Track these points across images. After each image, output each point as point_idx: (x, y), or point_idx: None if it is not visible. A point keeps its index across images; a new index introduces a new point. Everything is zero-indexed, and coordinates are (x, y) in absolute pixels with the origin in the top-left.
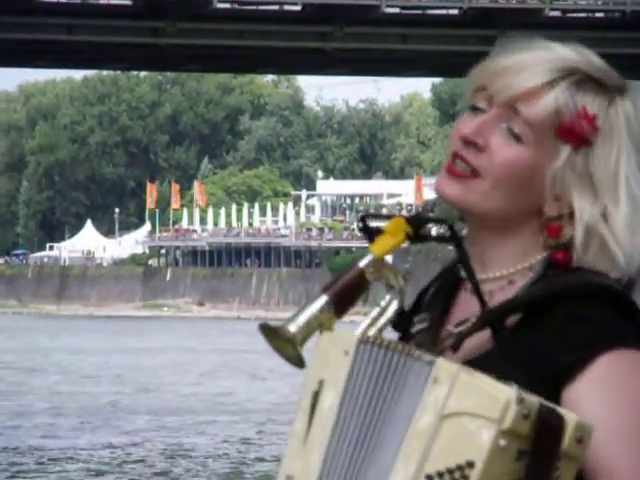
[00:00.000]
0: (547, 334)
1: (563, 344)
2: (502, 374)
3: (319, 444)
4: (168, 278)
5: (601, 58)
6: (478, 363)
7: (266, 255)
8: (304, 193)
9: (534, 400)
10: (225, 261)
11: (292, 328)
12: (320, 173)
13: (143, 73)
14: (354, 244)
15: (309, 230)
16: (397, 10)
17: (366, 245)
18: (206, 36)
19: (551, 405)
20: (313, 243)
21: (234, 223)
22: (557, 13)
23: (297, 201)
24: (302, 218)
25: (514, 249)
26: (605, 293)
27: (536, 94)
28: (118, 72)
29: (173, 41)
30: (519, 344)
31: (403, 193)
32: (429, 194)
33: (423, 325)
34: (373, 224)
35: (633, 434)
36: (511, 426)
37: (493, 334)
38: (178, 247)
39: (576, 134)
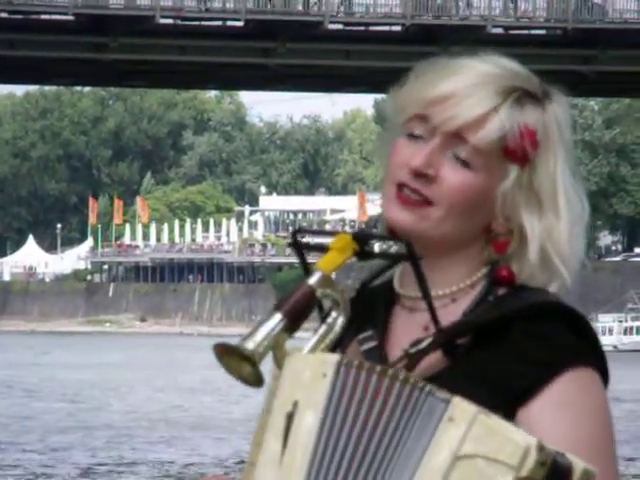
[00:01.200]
0: (503, 354)
1: (524, 363)
2: (463, 391)
3: (299, 466)
4: (110, 294)
5: (543, 75)
6: (437, 381)
7: (209, 271)
8: (247, 209)
9: (551, 448)
10: (168, 277)
11: (250, 345)
12: (263, 189)
13: (86, 88)
14: (297, 260)
15: (252, 246)
16: (340, 26)
17: (309, 261)
18: (149, 51)
19: (561, 451)
20: (256, 259)
21: (177, 239)
22: (499, 30)
23: (240, 217)
24: (245, 234)
25: (458, 268)
26: (560, 311)
27: (483, 120)
28: (61, 87)
29: (116, 56)
30: (474, 364)
31: (346, 209)
32: (372, 210)
33: (371, 344)
34: (309, 240)
35: (594, 453)
36: (529, 473)
37: (446, 353)
38: (120, 263)
39: (521, 154)
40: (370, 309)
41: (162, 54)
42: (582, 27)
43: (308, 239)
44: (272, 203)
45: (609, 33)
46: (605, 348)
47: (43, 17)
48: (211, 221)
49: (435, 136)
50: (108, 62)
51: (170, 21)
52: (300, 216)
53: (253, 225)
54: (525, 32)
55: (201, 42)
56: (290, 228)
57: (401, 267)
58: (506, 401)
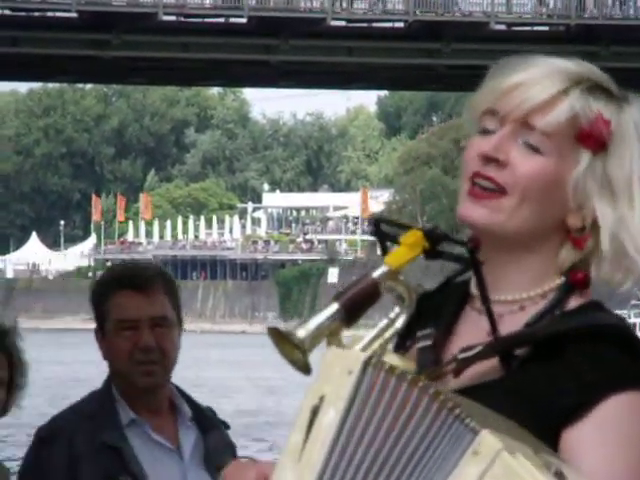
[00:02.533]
0: (555, 371)
1: (573, 382)
2: (502, 407)
3: (315, 461)
4: None
5: None
6: (479, 391)
7: (212, 268)
8: (250, 206)
9: None
10: (171, 273)
11: (301, 333)
12: (266, 186)
13: (89, 85)
14: (300, 257)
15: (255, 243)
16: (343, 23)
17: (312, 258)
18: (152, 49)
19: None
20: (259, 256)
21: (180, 236)
22: (502, 27)
23: (243, 214)
24: (248, 231)
25: (530, 272)
26: (614, 333)
27: (551, 104)
28: (64, 84)
29: (118, 54)
30: (526, 378)
31: (349, 206)
32: (375, 207)
33: (427, 342)
34: (386, 230)
35: None
36: None
37: (502, 363)
38: (124, 260)
39: (595, 139)
40: (442, 306)
41: (165, 51)
42: (585, 23)
43: (387, 229)
44: (275, 200)
45: (612, 29)
46: None
47: (46, 14)
48: (214, 218)
49: (505, 126)
50: (111, 59)
51: (173, 18)
52: (303, 213)
53: (256, 222)
54: (528, 28)
55: (204, 39)
56: (293, 225)
57: None
58: (551, 420)
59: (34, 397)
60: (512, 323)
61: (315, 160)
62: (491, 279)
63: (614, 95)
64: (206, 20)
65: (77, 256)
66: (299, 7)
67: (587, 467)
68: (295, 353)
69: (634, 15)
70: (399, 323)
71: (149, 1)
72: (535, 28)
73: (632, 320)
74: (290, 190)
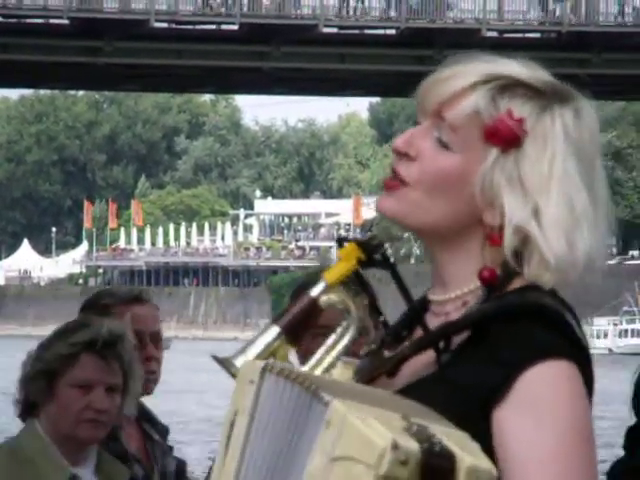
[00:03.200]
0: (479, 355)
1: (493, 364)
2: (435, 398)
3: (229, 473)
4: None
5: None
6: (416, 387)
7: (204, 274)
8: (242, 212)
9: (414, 446)
10: (163, 280)
11: (239, 363)
12: (258, 192)
13: (80, 92)
14: (292, 263)
15: (247, 249)
16: (335, 30)
17: (304, 265)
18: (143, 55)
19: (444, 447)
20: (251, 262)
21: (172, 242)
22: (494, 34)
23: (235, 220)
24: (240, 237)
25: (466, 266)
26: (535, 311)
27: (457, 98)
28: (55, 91)
29: (110, 60)
30: (457, 366)
31: (341, 212)
32: (367, 213)
33: (371, 347)
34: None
35: (555, 455)
36: (387, 473)
37: (437, 357)
38: (115, 266)
39: (501, 135)
40: (406, 314)
41: (157, 58)
42: (576, 30)
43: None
44: (267, 207)
45: (604, 36)
46: (600, 351)
47: (37, 21)
48: (206, 225)
49: (426, 120)
50: (102, 66)
51: (165, 25)
52: (295, 220)
53: (248, 229)
54: (520, 35)
55: (196, 46)
56: (285, 232)
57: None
58: (478, 404)
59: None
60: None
61: (307, 167)
62: (437, 278)
63: (543, 95)
64: (198, 27)
65: (69, 263)
66: (291, 14)
67: (512, 448)
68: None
69: (625, 22)
70: (348, 337)
71: (141, 8)
72: (527, 35)
73: (624, 326)
74: (282, 197)
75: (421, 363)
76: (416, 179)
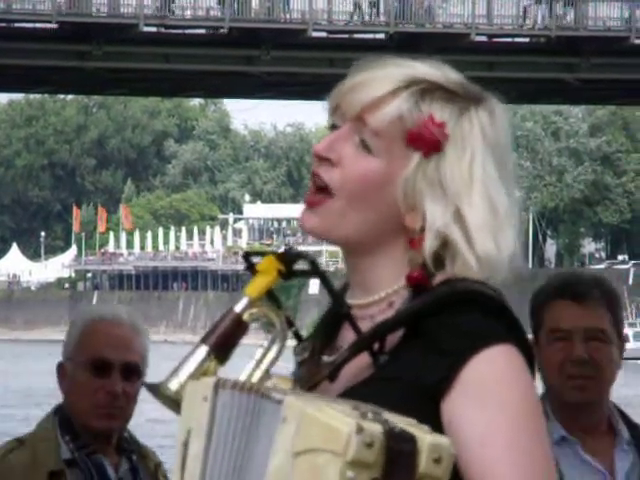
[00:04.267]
0: (420, 350)
1: (436, 355)
2: (380, 397)
3: None
4: (95, 302)
5: (528, 82)
6: (357, 390)
7: (193, 279)
8: (231, 217)
9: (376, 427)
10: (152, 285)
11: (173, 386)
12: (247, 197)
13: (70, 96)
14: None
15: (236, 254)
16: (324, 34)
17: (297, 268)
18: (133, 60)
19: (402, 428)
20: (240, 267)
21: (161, 247)
22: (483, 38)
23: (224, 225)
24: (229, 242)
25: (389, 270)
26: (470, 298)
27: (380, 103)
28: (45, 95)
29: (99, 64)
30: (397, 364)
31: None
32: None
33: (303, 356)
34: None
35: (514, 445)
36: (355, 457)
37: (372, 359)
38: (104, 271)
39: (424, 140)
40: (326, 321)
41: (146, 62)
42: (566, 35)
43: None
44: (256, 211)
45: (593, 41)
46: None
47: (26, 25)
48: (195, 229)
49: (345, 123)
50: (92, 70)
51: (154, 29)
52: (284, 224)
53: (237, 233)
54: (509, 40)
55: (185, 50)
56: (275, 236)
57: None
58: (424, 397)
59: (17, 407)
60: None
61: (296, 171)
62: (358, 284)
63: (459, 97)
64: (187, 31)
65: (58, 267)
66: (280, 18)
67: (465, 436)
68: (173, 405)
69: (614, 26)
70: (274, 350)
71: (130, 12)
72: (516, 39)
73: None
74: (271, 201)
75: (356, 367)
76: (338, 185)
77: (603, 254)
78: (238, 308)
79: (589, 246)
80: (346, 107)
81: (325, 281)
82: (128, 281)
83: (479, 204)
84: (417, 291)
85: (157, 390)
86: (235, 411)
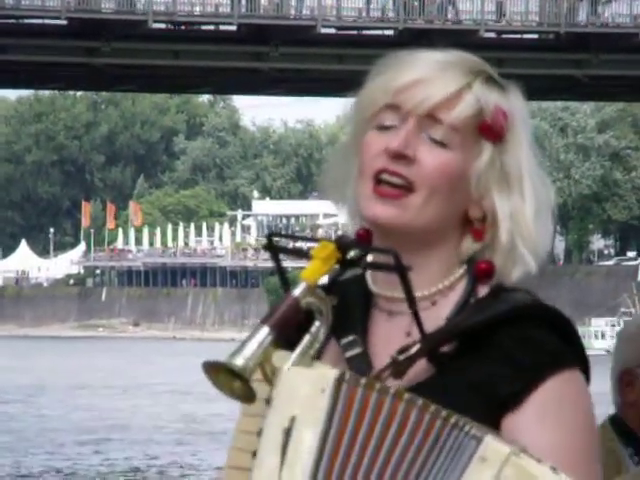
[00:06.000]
0: (491, 358)
1: (509, 367)
2: (447, 401)
3: None
4: (103, 298)
5: (536, 79)
6: (422, 390)
7: (202, 275)
8: (240, 213)
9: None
10: (161, 281)
11: (239, 361)
12: (256, 193)
13: (79, 93)
14: (290, 264)
15: (245, 250)
16: (333, 30)
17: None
18: (142, 56)
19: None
20: (249, 263)
21: (170, 243)
22: (492, 34)
23: (233, 221)
24: (238, 238)
25: (436, 265)
26: (544, 314)
27: (456, 98)
28: (54, 91)
29: (109, 61)
30: (461, 370)
31: (339, 213)
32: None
33: (356, 350)
34: (286, 244)
35: (578, 462)
36: None
37: (431, 360)
38: (113, 267)
39: (496, 131)
40: (346, 309)
41: (155, 58)
42: (574, 31)
43: (285, 244)
44: (265, 207)
45: (601, 37)
46: (598, 352)
47: (35, 21)
48: (204, 225)
49: (408, 121)
50: (101, 66)
51: (162, 25)
52: (293, 220)
53: (246, 229)
54: (517, 36)
55: (194, 46)
56: (283, 232)
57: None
58: (491, 408)
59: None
60: (429, 320)
61: (305, 168)
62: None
63: (501, 84)
64: (196, 28)
65: (66, 264)
66: (289, 14)
67: (534, 451)
68: (234, 383)
69: (624, 23)
70: (321, 336)
71: (139, 8)
72: (525, 36)
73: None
74: (281, 198)
75: (416, 366)
76: (420, 182)
77: (612, 250)
78: (297, 292)
79: (598, 242)
80: (412, 106)
81: (405, 278)
82: (137, 277)
83: (529, 196)
84: (471, 289)
85: (219, 367)
86: (377, 415)
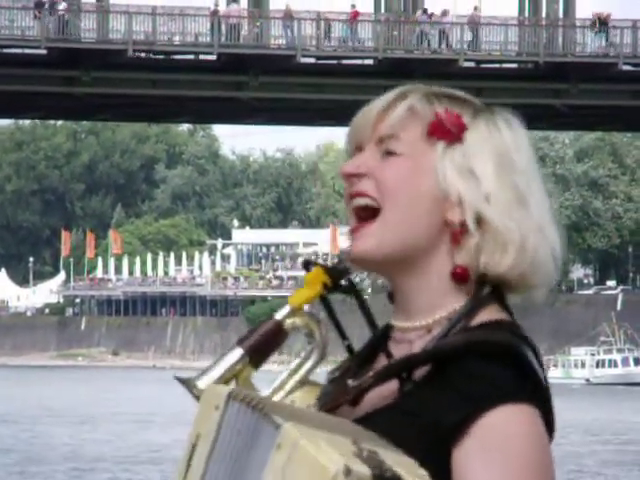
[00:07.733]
0: (441, 389)
1: (455, 399)
2: (394, 430)
3: None
4: (83, 327)
5: (515, 108)
6: (376, 417)
7: (182, 304)
8: (220, 242)
9: (365, 471)
10: (140, 310)
11: (202, 384)
12: (236, 222)
13: (60, 122)
14: (270, 293)
15: (225, 279)
16: (312, 60)
17: (282, 294)
18: (122, 85)
19: (394, 474)
20: (229, 292)
21: (149, 272)
22: (471, 64)
23: (213, 250)
24: (218, 267)
25: (431, 292)
26: (503, 351)
27: (390, 109)
28: (35, 121)
29: (88, 90)
30: (421, 399)
31: (319, 242)
32: (344, 243)
33: (334, 374)
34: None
35: None
36: None
37: (400, 387)
38: (93, 296)
39: (445, 129)
40: (368, 342)
41: (134, 87)
42: (553, 61)
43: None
44: (245, 236)
45: (580, 67)
46: (578, 381)
47: (15, 51)
48: (184, 254)
49: (364, 150)
50: (80, 96)
51: (142, 55)
52: (273, 249)
53: (226, 258)
54: (497, 65)
55: (173, 76)
56: (263, 261)
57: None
58: (438, 439)
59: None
60: (421, 346)
61: (285, 197)
62: (401, 306)
63: (471, 104)
64: (176, 57)
65: (46, 293)
66: (269, 44)
67: None
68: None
69: (602, 53)
70: (312, 361)
71: (119, 38)
72: (504, 65)
73: (601, 357)
74: (260, 227)
75: (382, 392)
76: (377, 193)
77: (592, 280)
78: (279, 315)
79: (577, 272)
80: (363, 137)
81: (359, 299)
82: (116, 306)
83: (509, 190)
84: (455, 322)
85: (188, 385)
86: (238, 426)
